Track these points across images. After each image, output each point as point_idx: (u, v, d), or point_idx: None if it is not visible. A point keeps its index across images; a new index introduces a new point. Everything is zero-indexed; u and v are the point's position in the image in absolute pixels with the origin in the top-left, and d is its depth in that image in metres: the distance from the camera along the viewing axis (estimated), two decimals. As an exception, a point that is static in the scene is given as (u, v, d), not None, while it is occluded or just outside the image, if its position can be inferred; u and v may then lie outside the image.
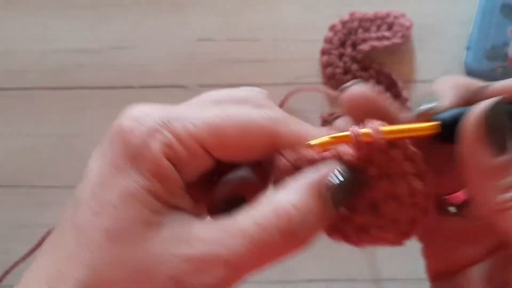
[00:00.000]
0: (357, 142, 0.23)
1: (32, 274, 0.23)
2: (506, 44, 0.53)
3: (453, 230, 0.28)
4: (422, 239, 0.29)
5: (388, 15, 0.56)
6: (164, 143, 0.22)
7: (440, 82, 0.25)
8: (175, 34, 0.59)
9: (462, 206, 0.27)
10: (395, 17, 0.56)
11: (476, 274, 0.28)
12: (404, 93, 0.55)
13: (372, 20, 0.57)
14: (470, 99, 0.24)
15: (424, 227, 0.28)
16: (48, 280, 0.22)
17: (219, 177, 0.26)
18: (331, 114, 0.56)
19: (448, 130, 0.23)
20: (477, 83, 0.25)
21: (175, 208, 0.23)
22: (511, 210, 0.22)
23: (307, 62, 0.58)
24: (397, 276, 0.58)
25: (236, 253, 0.21)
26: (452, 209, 0.27)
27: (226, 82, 0.58)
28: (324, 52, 0.58)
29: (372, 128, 0.23)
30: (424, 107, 0.24)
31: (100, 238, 0.21)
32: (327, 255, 0.57)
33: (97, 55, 0.59)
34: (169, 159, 0.22)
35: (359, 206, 0.24)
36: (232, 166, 0.25)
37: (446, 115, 0.24)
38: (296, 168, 0.23)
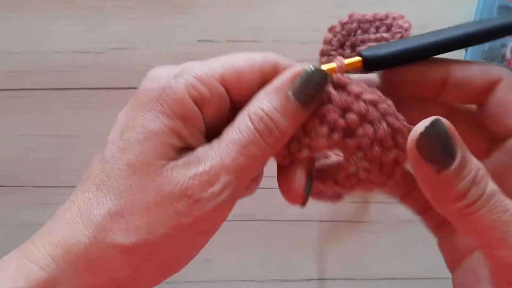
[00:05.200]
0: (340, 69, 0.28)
1: (65, 205, 0.26)
2: (503, 45, 0.53)
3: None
4: (435, 231, 0.30)
5: (387, 16, 0.56)
6: (188, 84, 0.25)
7: None
8: (175, 35, 0.59)
9: None
10: (394, 19, 0.56)
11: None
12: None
13: (371, 21, 0.57)
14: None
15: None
16: (80, 207, 0.25)
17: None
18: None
19: (368, 63, 0.28)
20: None
21: (192, 148, 0.26)
22: (469, 216, 0.23)
23: (307, 63, 0.58)
24: (396, 275, 0.58)
25: (230, 159, 0.25)
26: None
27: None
28: (323, 53, 0.58)
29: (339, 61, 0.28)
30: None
31: (125, 169, 0.24)
32: (327, 254, 0.58)
33: (99, 56, 0.60)
34: (194, 100, 0.25)
35: (346, 154, 0.27)
36: None
37: (366, 51, 0.29)
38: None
